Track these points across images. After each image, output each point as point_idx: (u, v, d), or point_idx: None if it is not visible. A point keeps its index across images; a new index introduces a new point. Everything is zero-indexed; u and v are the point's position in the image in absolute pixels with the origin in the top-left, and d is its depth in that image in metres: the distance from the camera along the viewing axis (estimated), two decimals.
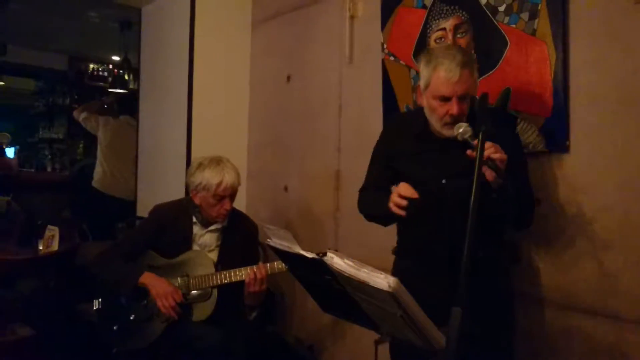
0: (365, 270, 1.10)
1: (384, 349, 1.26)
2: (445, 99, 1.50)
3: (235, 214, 2.32)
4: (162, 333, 2.14)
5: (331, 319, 2.53)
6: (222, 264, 2.21)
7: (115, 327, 2.20)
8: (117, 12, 4.78)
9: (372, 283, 1.07)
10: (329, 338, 2.65)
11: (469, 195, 1.17)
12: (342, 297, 1.22)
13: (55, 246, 2.84)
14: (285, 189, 2.96)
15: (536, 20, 1.83)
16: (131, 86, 5.93)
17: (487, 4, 1.97)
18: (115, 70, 6.52)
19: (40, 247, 2.87)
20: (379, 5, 2.40)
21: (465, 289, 1.07)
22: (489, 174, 1.36)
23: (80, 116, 4.62)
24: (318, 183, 2.75)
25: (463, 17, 2.06)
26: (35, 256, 2.84)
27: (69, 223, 3.59)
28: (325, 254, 1.18)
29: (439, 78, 1.50)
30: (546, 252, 1.79)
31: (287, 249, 1.31)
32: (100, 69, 6.67)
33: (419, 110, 1.67)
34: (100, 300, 2.26)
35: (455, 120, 1.48)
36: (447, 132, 1.52)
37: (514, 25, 1.89)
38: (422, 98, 1.59)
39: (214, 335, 2.04)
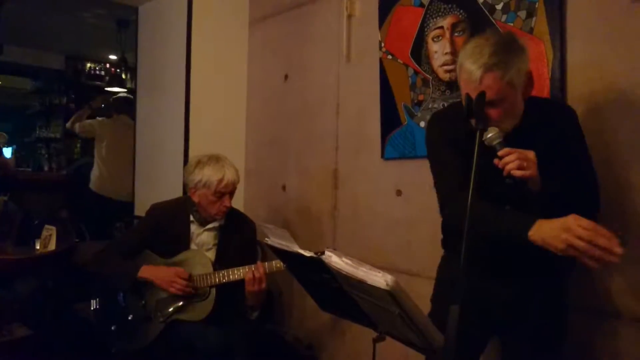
0: (363, 269, 1.10)
1: (383, 347, 1.26)
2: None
3: (232, 213, 2.32)
4: (160, 333, 2.14)
5: (330, 317, 2.53)
6: (220, 263, 2.20)
7: (113, 327, 2.20)
8: (114, 11, 4.77)
9: (370, 281, 1.07)
10: (328, 336, 2.65)
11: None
12: (341, 296, 1.22)
13: (52, 246, 2.83)
14: (283, 187, 2.96)
15: (533, 19, 1.83)
16: (128, 85, 5.92)
17: (485, 2, 1.97)
18: (113, 69, 6.51)
19: (38, 247, 2.87)
20: (376, 4, 2.40)
21: (464, 287, 1.07)
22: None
23: (76, 128, 4.60)
24: (316, 182, 2.75)
25: (460, 16, 2.06)
26: (33, 256, 2.83)
27: (66, 223, 3.59)
28: (323, 253, 1.18)
29: (462, 79, 1.35)
30: None
31: (285, 248, 1.31)
32: (97, 68, 6.65)
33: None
34: (97, 300, 2.25)
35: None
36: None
37: (511, 24, 1.89)
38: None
39: (212, 335, 2.03)
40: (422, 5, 2.21)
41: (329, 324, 2.64)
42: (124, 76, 6.17)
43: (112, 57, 6.24)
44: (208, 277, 2.14)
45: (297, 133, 2.88)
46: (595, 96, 1.69)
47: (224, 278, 2.12)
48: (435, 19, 2.16)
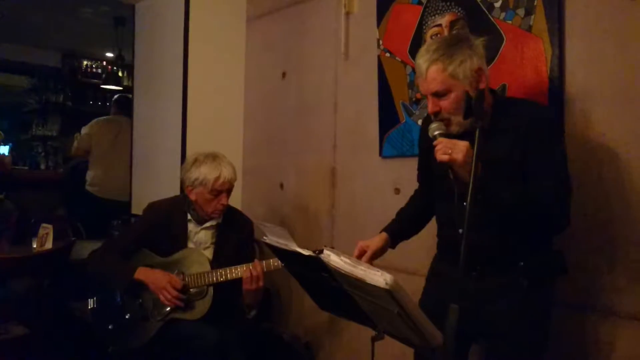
0: (362, 268, 1.09)
1: (381, 346, 1.26)
2: (425, 96, 1.47)
3: (230, 211, 2.31)
4: (157, 332, 2.13)
5: (328, 316, 2.52)
6: (218, 261, 2.20)
7: (110, 326, 2.19)
8: (111, 8, 4.74)
9: (369, 280, 1.07)
10: (326, 335, 2.65)
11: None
12: (339, 295, 1.21)
13: (49, 244, 2.81)
14: (281, 186, 2.95)
15: (532, 17, 1.83)
16: (125, 83, 5.90)
17: (483, 0, 1.96)
18: (109, 67, 6.48)
19: (34, 246, 2.85)
20: (374, 2, 2.39)
21: (463, 286, 1.07)
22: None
23: (74, 150, 4.54)
24: (314, 180, 2.74)
25: (459, 14, 2.06)
26: (29, 254, 2.82)
27: (63, 221, 3.57)
28: (321, 251, 1.18)
29: (416, 77, 1.48)
30: None
31: (283, 247, 1.31)
32: (94, 66, 6.61)
33: None
34: (95, 299, 2.24)
35: (438, 118, 1.43)
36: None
37: (509, 22, 1.89)
38: None
39: (210, 334, 2.03)
40: (420, 2, 2.20)
41: (326, 322, 2.64)
42: (120, 74, 6.14)
43: (109, 54, 6.21)
44: (205, 276, 2.13)
45: (295, 131, 2.87)
46: (594, 93, 1.69)
47: (221, 277, 2.11)
48: (433, 17, 2.15)
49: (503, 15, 1.91)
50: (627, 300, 1.62)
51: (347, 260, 1.12)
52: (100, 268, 2.20)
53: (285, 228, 1.33)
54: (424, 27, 2.19)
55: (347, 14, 2.55)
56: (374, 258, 1.63)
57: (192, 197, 2.19)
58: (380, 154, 2.37)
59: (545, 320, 1.50)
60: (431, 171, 1.61)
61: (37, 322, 2.82)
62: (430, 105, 1.44)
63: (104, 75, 6.42)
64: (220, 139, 3.05)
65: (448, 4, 2.09)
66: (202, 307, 2.13)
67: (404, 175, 2.28)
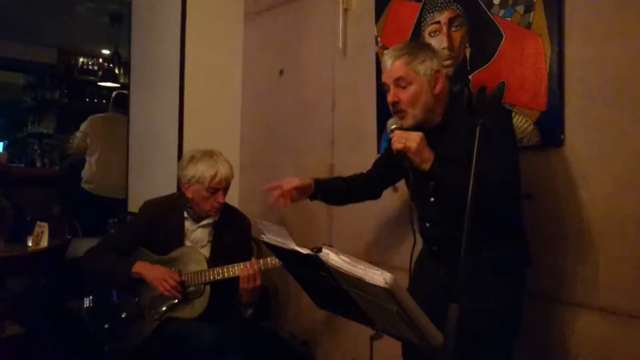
0: (362, 267, 1.08)
1: (380, 345, 1.25)
2: (388, 88, 1.59)
3: (227, 209, 2.29)
4: (154, 331, 2.12)
5: (326, 314, 2.52)
6: (215, 259, 2.18)
7: (106, 325, 2.18)
8: (107, 4, 4.72)
9: (368, 279, 1.06)
10: (324, 334, 2.64)
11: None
12: (338, 294, 1.20)
13: (45, 243, 2.80)
14: None
15: (531, 14, 1.81)
16: (122, 80, 5.86)
17: None
18: (106, 64, 6.45)
19: (30, 244, 2.83)
20: None
21: (462, 285, 1.06)
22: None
23: (73, 149, 4.53)
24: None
25: (458, 10, 2.04)
26: (25, 253, 2.80)
27: (59, 219, 3.55)
28: (320, 250, 1.16)
29: (382, 72, 1.62)
30: (541, 247, 1.78)
31: (281, 245, 1.29)
32: (90, 63, 6.59)
33: None
34: (91, 297, 2.23)
35: (396, 109, 1.57)
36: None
37: (509, 19, 1.88)
38: None
39: (207, 333, 2.01)
40: None
41: (325, 321, 2.63)
42: (117, 71, 6.11)
43: (105, 51, 6.19)
44: (202, 274, 2.12)
45: (293, 128, 2.85)
46: (594, 91, 1.68)
47: (218, 275, 2.10)
48: (432, 14, 2.14)
49: (502, 12, 1.90)
50: (594, 293, 1.66)
51: (346, 259, 1.11)
52: (95, 266, 2.18)
53: (283, 226, 1.32)
54: (423, 24, 2.17)
55: (345, 10, 2.53)
56: (290, 196, 1.79)
57: (189, 194, 2.18)
58: (379, 151, 2.36)
59: (513, 309, 1.57)
60: (388, 166, 1.82)
61: (32, 321, 2.81)
62: (391, 95, 1.58)
63: (100, 73, 6.39)
64: (218, 136, 3.03)
65: (447, 0, 2.08)
66: (199, 305, 2.12)
67: None
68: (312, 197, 1.86)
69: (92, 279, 2.25)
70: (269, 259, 2.08)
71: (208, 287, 2.12)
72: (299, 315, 2.77)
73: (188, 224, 2.24)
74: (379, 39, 2.35)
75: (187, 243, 2.23)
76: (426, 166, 1.44)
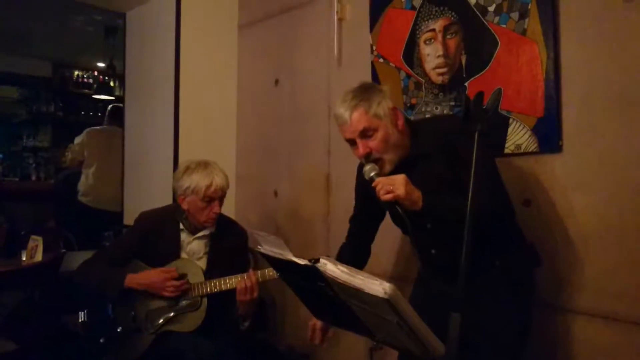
0: (360, 277, 1.06)
1: (380, 357, 1.22)
2: (353, 142, 1.53)
3: (223, 220, 2.27)
4: (150, 345, 2.08)
5: None
6: (211, 272, 2.15)
7: (102, 340, 2.14)
8: (102, 17, 4.72)
9: (367, 290, 1.03)
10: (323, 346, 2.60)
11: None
12: (336, 305, 1.18)
13: (39, 257, 2.76)
14: (275, 193, 2.92)
15: (526, 20, 1.81)
16: (117, 93, 5.86)
17: (477, 4, 1.95)
18: (101, 77, 6.44)
19: (24, 258, 2.80)
20: (367, 7, 2.38)
21: (464, 295, 1.04)
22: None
23: (68, 161, 4.51)
24: (308, 187, 2.71)
25: (452, 18, 2.04)
26: (19, 267, 2.76)
27: (54, 232, 3.51)
28: (317, 260, 1.14)
29: (338, 126, 1.56)
30: (541, 254, 1.77)
31: (278, 256, 1.27)
32: (85, 76, 6.57)
33: None
34: (86, 312, 2.20)
35: (370, 160, 1.51)
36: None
37: (504, 25, 1.88)
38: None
39: (204, 347, 1.98)
40: (413, 7, 2.19)
41: None
42: (112, 84, 6.11)
43: (100, 64, 6.18)
44: (199, 287, 2.09)
45: (289, 138, 2.84)
46: (591, 96, 1.67)
47: (215, 287, 2.07)
48: (427, 22, 2.14)
49: (497, 19, 1.90)
50: (596, 300, 1.65)
51: (344, 269, 1.09)
52: (89, 278, 2.15)
53: (279, 236, 1.30)
54: (418, 32, 2.17)
55: (340, 20, 2.54)
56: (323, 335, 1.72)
57: (185, 206, 2.16)
58: None
59: (526, 311, 1.58)
60: (371, 211, 1.74)
61: (26, 337, 2.76)
62: (361, 148, 1.51)
63: (95, 85, 6.38)
64: (213, 146, 3.02)
65: (441, 8, 2.08)
66: (196, 319, 2.08)
67: None
68: None
69: (86, 293, 2.21)
70: (266, 271, 2.06)
71: (205, 300, 2.09)
72: (298, 327, 2.73)
73: (184, 236, 2.22)
74: (374, 48, 2.35)
75: (183, 255, 2.20)
76: (418, 206, 1.39)
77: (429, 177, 1.49)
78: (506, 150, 1.86)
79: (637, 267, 1.56)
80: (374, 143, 1.50)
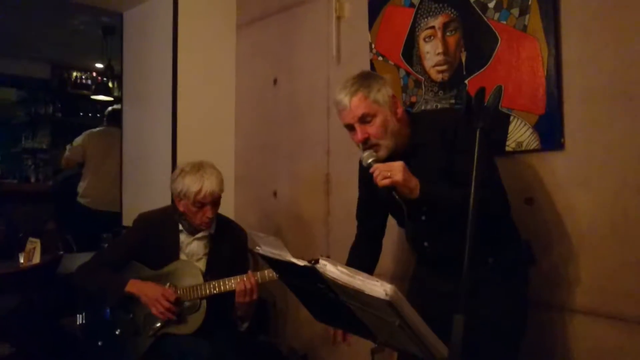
0: (360, 278, 1.04)
1: (381, 358, 1.21)
2: (352, 127, 1.54)
3: (222, 221, 2.25)
4: (149, 347, 2.06)
5: (325, 327, 2.46)
6: (211, 273, 2.13)
7: (100, 343, 2.12)
8: (100, 18, 4.70)
9: (367, 291, 1.01)
10: (324, 347, 2.58)
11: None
12: (336, 306, 1.16)
13: (37, 259, 2.75)
14: (274, 194, 2.90)
15: (527, 16, 1.79)
16: (115, 94, 5.83)
17: (477, 0, 1.93)
18: (99, 78, 6.42)
19: (21, 260, 2.78)
20: (366, 5, 2.36)
21: (467, 296, 1.02)
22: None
23: (66, 161, 4.48)
24: (308, 187, 2.69)
25: (452, 15, 2.02)
26: (16, 270, 2.74)
27: (53, 234, 3.49)
28: (317, 261, 1.12)
29: (338, 112, 1.56)
30: (540, 251, 1.75)
31: (277, 257, 1.25)
32: (83, 77, 6.55)
33: None
34: (84, 314, 2.18)
35: (367, 146, 1.51)
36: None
37: (504, 22, 1.86)
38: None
39: (204, 349, 1.96)
40: (412, 5, 2.16)
41: (324, 334, 2.56)
42: (110, 84, 6.08)
43: (99, 65, 6.15)
44: (198, 289, 2.07)
45: (288, 138, 2.82)
46: (592, 93, 1.65)
47: (215, 289, 2.05)
48: (426, 19, 2.12)
49: (497, 15, 1.88)
50: (600, 299, 1.63)
51: (344, 270, 1.07)
52: (88, 282, 2.13)
53: (279, 237, 1.28)
54: (417, 29, 2.15)
55: (338, 18, 2.52)
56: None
57: (181, 208, 2.14)
58: None
59: (521, 307, 1.58)
60: (376, 202, 1.71)
61: (23, 340, 2.74)
62: (359, 133, 1.52)
63: (93, 86, 6.36)
64: (212, 147, 3.00)
65: (441, 5, 2.06)
66: (195, 321, 2.06)
67: None
68: None
69: (85, 296, 2.19)
70: (266, 272, 2.04)
71: (204, 302, 2.07)
72: (298, 329, 2.71)
73: (183, 237, 2.20)
74: (373, 46, 2.33)
75: (182, 256, 2.18)
76: (415, 194, 1.39)
77: (427, 166, 1.49)
78: (507, 148, 1.84)
79: None
80: (372, 129, 1.51)
